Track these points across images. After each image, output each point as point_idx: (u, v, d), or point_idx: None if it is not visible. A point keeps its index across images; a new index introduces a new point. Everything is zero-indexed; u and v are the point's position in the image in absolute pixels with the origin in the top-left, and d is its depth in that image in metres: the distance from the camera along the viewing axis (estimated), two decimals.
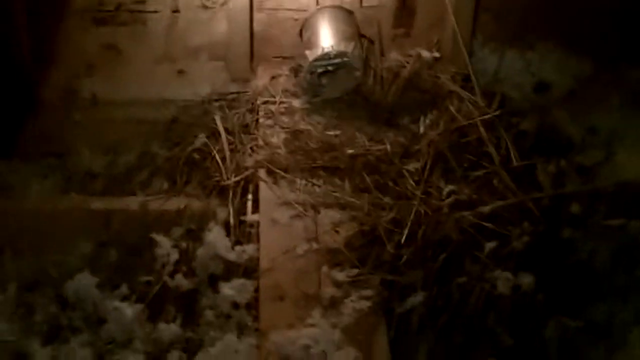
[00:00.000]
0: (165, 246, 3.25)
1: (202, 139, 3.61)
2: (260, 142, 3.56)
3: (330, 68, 3.71)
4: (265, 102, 3.78)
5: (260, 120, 3.70)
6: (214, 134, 3.63)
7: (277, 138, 3.58)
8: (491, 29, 4.02)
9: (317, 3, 3.97)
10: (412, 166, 3.45)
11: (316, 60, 3.71)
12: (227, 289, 3.08)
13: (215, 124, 3.65)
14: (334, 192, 3.33)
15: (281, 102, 3.77)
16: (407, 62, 3.89)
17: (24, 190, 3.59)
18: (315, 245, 3.10)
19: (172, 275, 3.18)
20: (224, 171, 3.44)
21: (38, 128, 3.82)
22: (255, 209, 3.32)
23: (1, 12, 3.75)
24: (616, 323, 3.13)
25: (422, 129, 3.63)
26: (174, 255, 3.22)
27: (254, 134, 3.62)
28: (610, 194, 3.48)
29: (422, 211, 3.22)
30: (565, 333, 3.03)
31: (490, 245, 3.13)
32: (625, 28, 4.03)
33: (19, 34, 3.80)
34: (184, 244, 3.26)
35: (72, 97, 3.87)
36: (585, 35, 4.03)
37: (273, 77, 3.94)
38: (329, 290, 2.94)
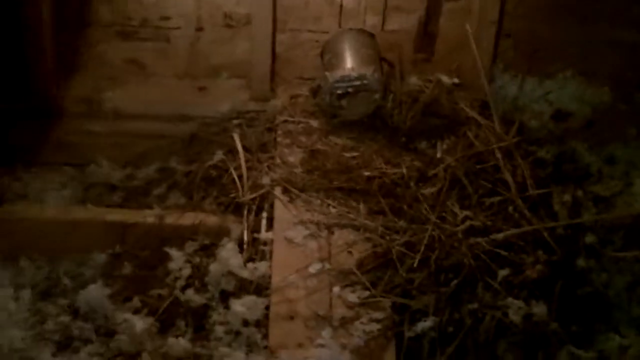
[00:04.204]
0: (179, 261, 3.26)
1: (220, 155, 3.64)
2: (278, 161, 3.58)
3: (350, 90, 3.73)
4: (284, 122, 3.81)
5: (279, 139, 3.72)
6: (232, 152, 3.65)
7: (295, 157, 3.61)
8: (511, 56, 4.04)
9: (339, 25, 4.00)
10: (428, 191, 3.46)
11: (336, 82, 3.73)
12: (238, 306, 3.08)
13: (234, 142, 3.68)
14: (349, 213, 3.33)
15: (300, 122, 3.80)
16: (427, 87, 3.91)
17: (42, 199, 3.63)
18: (327, 266, 3.10)
19: (184, 289, 3.19)
20: (240, 188, 3.46)
21: (59, 138, 3.87)
22: (270, 227, 3.33)
23: (28, 22, 3.81)
24: (629, 355, 3.10)
25: (439, 154, 3.64)
26: (187, 270, 3.24)
27: (271, 152, 3.65)
28: (626, 225, 3.47)
29: (436, 236, 3.21)
30: None
31: (503, 272, 3.12)
32: None
33: (44, 44, 3.85)
34: (197, 259, 3.28)
35: (93, 109, 3.92)
36: (603, 65, 4.04)
37: (293, 97, 3.98)
38: (339, 311, 2.94)
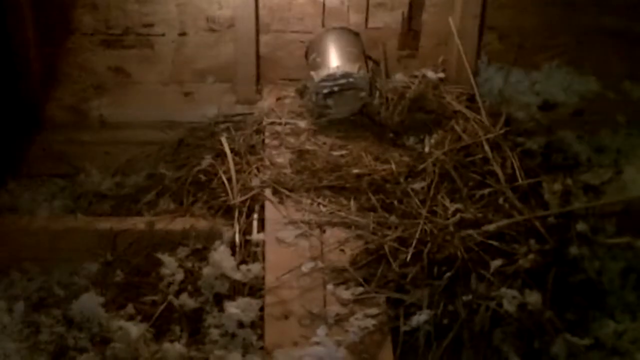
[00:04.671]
0: (171, 266, 3.25)
1: (208, 160, 3.63)
2: (267, 163, 3.57)
3: (335, 89, 3.73)
4: (271, 123, 3.81)
5: (267, 141, 3.72)
6: (221, 155, 3.64)
7: (283, 158, 3.60)
8: (496, 48, 4.06)
9: (323, 25, 4.01)
10: (418, 185, 3.46)
11: (322, 81, 3.73)
12: (233, 308, 3.07)
13: (222, 145, 3.67)
14: (340, 211, 3.33)
15: (287, 123, 3.80)
16: (413, 83, 3.94)
17: (32, 210, 3.62)
18: (320, 264, 3.10)
19: (177, 294, 3.18)
20: (230, 191, 3.45)
21: (46, 148, 3.86)
22: (261, 228, 3.32)
23: (12, 31, 3.80)
24: (624, 340, 3.10)
25: (427, 149, 3.64)
26: (180, 275, 3.22)
27: (260, 154, 3.64)
28: (617, 212, 3.47)
29: (428, 230, 3.21)
30: (572, 351, 3.00)
31: (496, 263, 3.11)
32: (629, 47, 4.05)
33: (28, 54, 3.85)
34: (189, 264, 3.27)
35: (80, 118, 3.93)
36: (589, 54, 4.05)
37: (279, 99, 3.98)
38: (334, 309, 2.94)
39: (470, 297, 3.03)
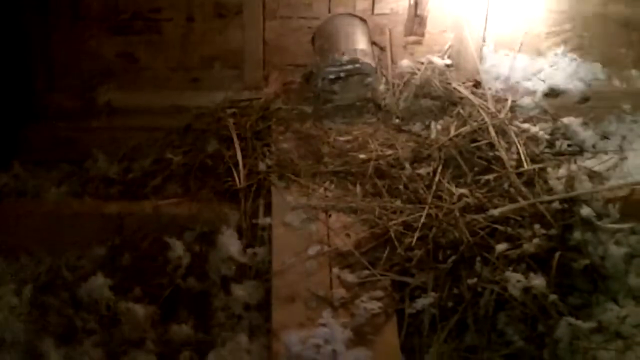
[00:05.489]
0: (178, 249, 3.28)
1: (215, 145, 3.65)
2: (273, 148, 3.59)
3: (342, 75, 3.75)
4: (277, 109, 3.83)
5: (273, 126, 3.74)
6: (227, 140, 3.66)
7: (289, 144, 3.62)
8: (502, 35, 4.05)
9: (330, 11, 4.02)
10: (423, 171, 3.48)
11: (328, 67, 3.75)
12: (239, 291, 3.11)
13: (228, 131, 3.69)
14: (346, 196, 3.35)
15: (293, 109, 3.81)
16: (419, 69, 3.94)
17: (40, 195, 3.64)
18: (326, 248, 3.12)
19: (184, 277, 3.21)
20: (236, 176, 3.47)
21: (54, 134, 3.88)
22: (268, 212, 3.34)
23: (20, 17, 3.83)
24: (627, 324, 3.12)
25: (433, 134, 3.66)
26: (187, 258, 3.26)
27: (266, 139, 3.66)
28: (621, 198, 3.48)
29: (433, 214, 3.24)
30: (576, 335, 3.02)
31: (501, 247, 3.14)
32: (635, 34, 4.06)
33: (37, 39, 3.87)
34: (196, 247, 3.30)
35: (88, 104, 3.93)
36: (595, 41, 4.05)
37: (285, 84, 4.00)
38: (339, 292, 2.96)
39: (475, 280, 3.05)
